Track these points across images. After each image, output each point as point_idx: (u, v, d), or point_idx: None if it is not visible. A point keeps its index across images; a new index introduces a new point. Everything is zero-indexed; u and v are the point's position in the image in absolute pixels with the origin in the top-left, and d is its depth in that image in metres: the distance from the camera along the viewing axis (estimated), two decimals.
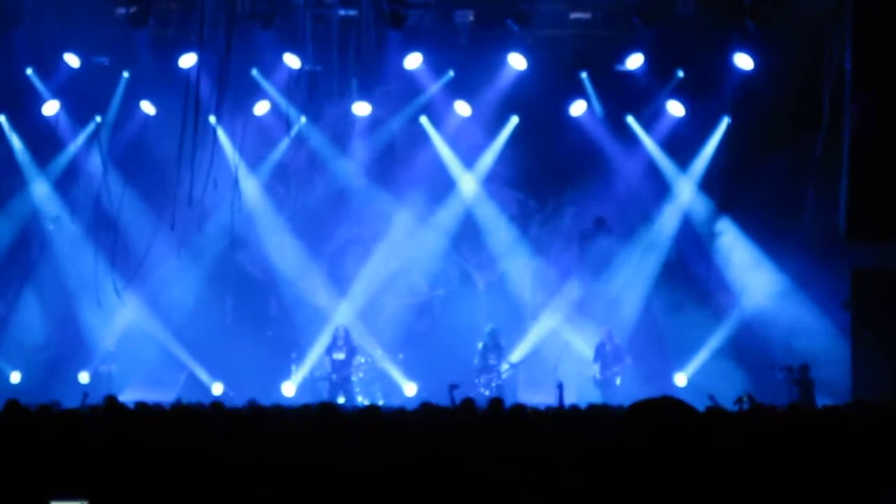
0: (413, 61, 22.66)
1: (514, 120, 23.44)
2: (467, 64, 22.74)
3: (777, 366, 21.32)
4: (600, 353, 22.17)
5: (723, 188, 22.70)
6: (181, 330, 23.11)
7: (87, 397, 16.64)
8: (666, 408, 4.36)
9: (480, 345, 22.43)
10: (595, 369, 22.10)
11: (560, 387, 18.27)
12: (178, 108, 19.83)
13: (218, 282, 23.78)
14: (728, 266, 22.92)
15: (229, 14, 18.90)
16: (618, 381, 21.94)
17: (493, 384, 22.08)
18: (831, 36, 20.25)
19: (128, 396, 17.05)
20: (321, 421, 9.99)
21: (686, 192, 23.21)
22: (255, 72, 22.85)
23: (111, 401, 13.01)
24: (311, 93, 22.23)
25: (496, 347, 22.39)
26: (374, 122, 23.66)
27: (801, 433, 8.73)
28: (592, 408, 13.75)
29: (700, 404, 13.88)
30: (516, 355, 22.70)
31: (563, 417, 12.43)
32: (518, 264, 23.70)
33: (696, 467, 4.23)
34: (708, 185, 23.01)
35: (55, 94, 22.87)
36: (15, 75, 22.79)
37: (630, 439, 4.31)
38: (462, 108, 23.23)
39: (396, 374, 22.91)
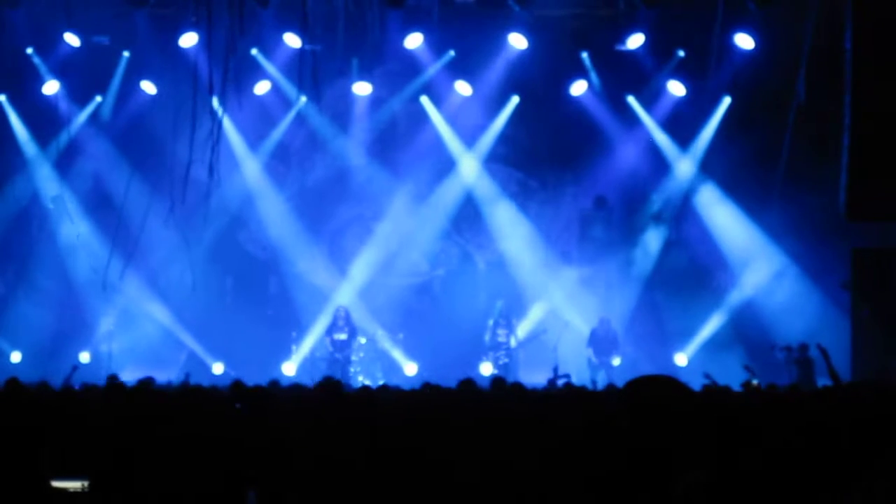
0: (413, 41, 22.62)
1: (515, 100, 23.41)
2: (468, 43, 22.70)
3: (776, 346, 21.33)
4: (594, 339, 22.12)
5: (722, 167, 22.69)
6: (181, 309, 23.12)
7: (75, 370, 16.75)
8: (658, 385, 4.36)
9: (491, 322, 22.45)
10: (589, 353, 22.08)
11: (556, 370, 17.97)
12: (179, 88, 19.81)
13: (218, 261, 23.77)
14: (727, 245, 22.92)
15: None
16: (615, 362, 21.91)
17: (501, 362, 22.11)
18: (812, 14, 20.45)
19: (128, 376, 17.06)
20: (324, 400, 10.01)
21: (686, 172, 23.21)
22: (255, 51, 22.83)
23: (111, 380, 13.07)
24: (312, 72, 22.18)
25: (507, 324, 22.40)
26: (375, 101, 23.65)
27: (801, 412, 8.75)
28: (589, 389, 13.75)
29: (698, 384, 13.93)
30: (522, 332, 22.69)
31: (560, 397, 12.44)
32: (518, 244, 23.70)
33: (689, 446, 4.24)
34: (708, 164, 23.00)
35: (55, 74, 22.84)
36: (15, 55, 22.76)
37: (624, 417, 4.32)
38: (462, 88, 23.19)
39: (397, 354, 22.93)
